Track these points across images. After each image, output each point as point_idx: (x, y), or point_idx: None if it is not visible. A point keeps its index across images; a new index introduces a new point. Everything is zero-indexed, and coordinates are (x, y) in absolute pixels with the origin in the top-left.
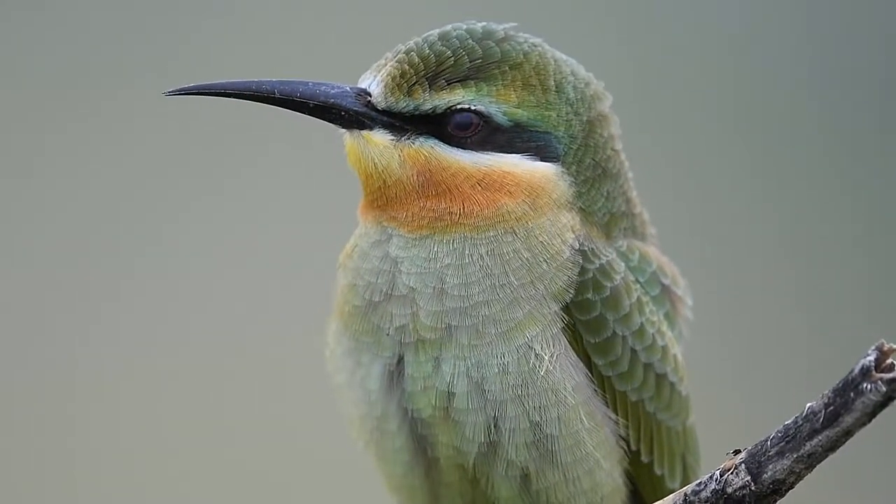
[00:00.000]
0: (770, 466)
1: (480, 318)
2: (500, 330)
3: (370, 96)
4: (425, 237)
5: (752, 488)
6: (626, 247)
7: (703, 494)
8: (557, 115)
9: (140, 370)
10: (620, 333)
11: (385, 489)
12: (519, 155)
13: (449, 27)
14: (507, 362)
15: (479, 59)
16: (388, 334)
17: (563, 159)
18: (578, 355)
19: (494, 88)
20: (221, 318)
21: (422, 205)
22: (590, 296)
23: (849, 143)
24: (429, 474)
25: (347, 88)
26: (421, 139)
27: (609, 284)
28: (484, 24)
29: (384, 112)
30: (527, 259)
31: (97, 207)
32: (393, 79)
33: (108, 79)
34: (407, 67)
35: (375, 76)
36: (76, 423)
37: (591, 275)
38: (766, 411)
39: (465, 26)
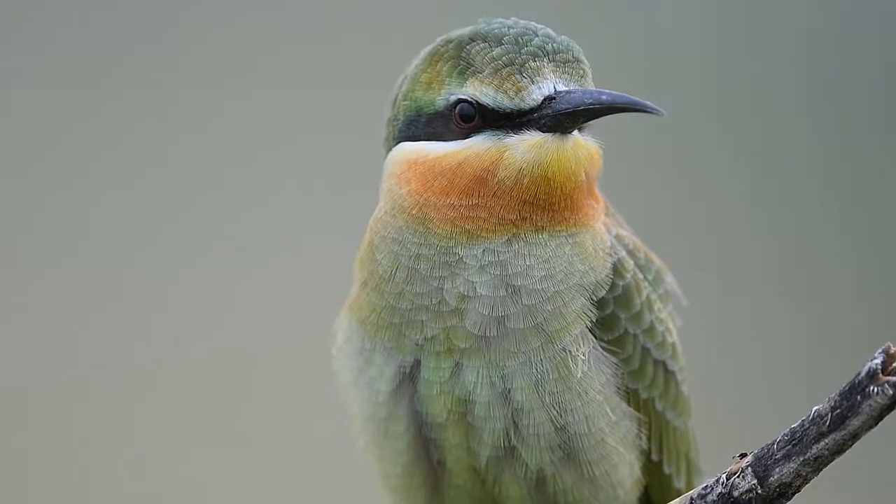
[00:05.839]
0: (776, 470)
1: (544, 316)
2: (554, 328)
3: None
4: (550, 237)
5: (759, 491)
6: (632, 245)
7: (710, 498)
8: None
9: (164, 368)
10: (632, 332)
11: (380, 489)
12: None
13: (529, 23)
14: (547, 369)
15: None
16: (416, 344)
17: None
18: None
19: None
20: (247, 318)
21: (590, 203)
22: (604, 294)
23: (838, 139)
24: (430, 476)
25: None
26: (585, 138)
27: (621, 282)
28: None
29: None
30: (591, 250)
31: (126, 207)
32: (590, 80)
33: (138, 78)
34: (587, 68)
35: (571, 81)
36: (93, 421)
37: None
38: (764, 415)
39: (534, 22)
